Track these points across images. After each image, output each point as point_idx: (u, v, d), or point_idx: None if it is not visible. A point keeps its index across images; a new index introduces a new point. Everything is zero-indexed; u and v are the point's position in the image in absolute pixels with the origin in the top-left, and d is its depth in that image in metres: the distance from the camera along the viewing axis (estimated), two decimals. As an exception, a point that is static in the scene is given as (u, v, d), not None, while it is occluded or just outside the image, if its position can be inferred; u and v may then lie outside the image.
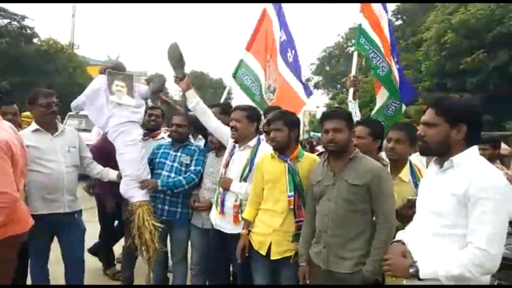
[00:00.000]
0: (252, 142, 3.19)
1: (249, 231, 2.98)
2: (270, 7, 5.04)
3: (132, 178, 3.37)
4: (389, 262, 1.97)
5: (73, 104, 3.49)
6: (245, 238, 2.95)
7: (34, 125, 3.22)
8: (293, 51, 4.97)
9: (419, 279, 1.82)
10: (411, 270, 1.85)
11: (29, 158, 3.07)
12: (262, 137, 3.39)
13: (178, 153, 3.56)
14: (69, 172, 3.23)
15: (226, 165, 3.22)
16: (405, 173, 2.71)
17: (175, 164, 3.52)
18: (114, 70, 3.45)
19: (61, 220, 3.14)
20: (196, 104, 3.37)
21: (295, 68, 4.93)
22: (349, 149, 2.54)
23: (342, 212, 2.45)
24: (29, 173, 3.02)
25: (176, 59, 3.36)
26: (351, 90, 4.14)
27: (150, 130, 4.19)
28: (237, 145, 3.24)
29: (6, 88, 19.41)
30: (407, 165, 2.75)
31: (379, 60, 4.33)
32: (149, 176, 3.45)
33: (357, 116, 3.93)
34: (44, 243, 3.24)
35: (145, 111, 4.22)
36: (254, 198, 2.99)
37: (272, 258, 2.83)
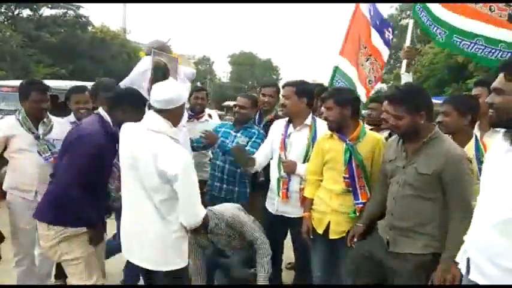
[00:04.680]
0: (308, 120, 3.07)
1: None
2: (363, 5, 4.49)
3: None
4: None
5: (121, 83, 3.37)
6: (308, 220, 2.86)
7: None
8: (390, 29, 4.56)
9: None
10: None
11: None
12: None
13: (238, 134, 3.52)
14: None
15: (284, 148, 3.09)
16: (468, 149, 2.48)
17: (233, 144, 3.46)
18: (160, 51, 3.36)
19: None
20: None
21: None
22: (422, 131, 2.30)
23: (409, 199, 2.30)
24: None
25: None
26: (405, 62, 3.86)
27: (195, 112, 4.16)
28: (290, 125, 3.12)
29: (65, 76, 20.47)
30: (472, 140, 2.54)
31: (434, 28, 4.02)
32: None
33: None
34: None
35: (191, 94, 4.19)
36: (314, 176, 2.88)
37: (330, 237, 2.76)
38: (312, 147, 2.98)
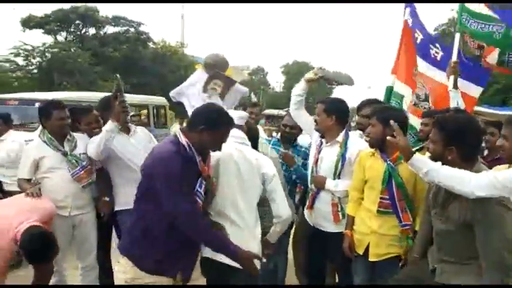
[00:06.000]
0: (340, 137, 3.04)
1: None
2: (407, 14, 4.25)
3: None
4: None
5: (173, 92, 3.49)
6: (349, 238, 2.83)
7: None
8: (437, 45, 4.29)
9: None
10: None
11: (113, 158, 3.16)
12: (357, 132, 3.22)
13: (289, 151, 3.53)
14: None
15: (316, 162, 3.11)
16: None
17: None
18: (215, 67, 3.38)
19: None
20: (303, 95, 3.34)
21: (446, 62, 4.03)
22: (456, 165, 2.13)
23: (452, 234, 2.20)
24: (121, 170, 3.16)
25: None
26: (451, 78, 3.65)
27: None
28: (323, 140, 3.13)
29: (128, 90, 21.55)
30: None
31: (489, 27, 3.75)
32: None
33: (459, 106, 3.46)
34: None
35: (244, 109, 4.22)
36: (356, 193, 2.86)
37: (370, 259, 2.72)
38: (342, 164, 2.97)
